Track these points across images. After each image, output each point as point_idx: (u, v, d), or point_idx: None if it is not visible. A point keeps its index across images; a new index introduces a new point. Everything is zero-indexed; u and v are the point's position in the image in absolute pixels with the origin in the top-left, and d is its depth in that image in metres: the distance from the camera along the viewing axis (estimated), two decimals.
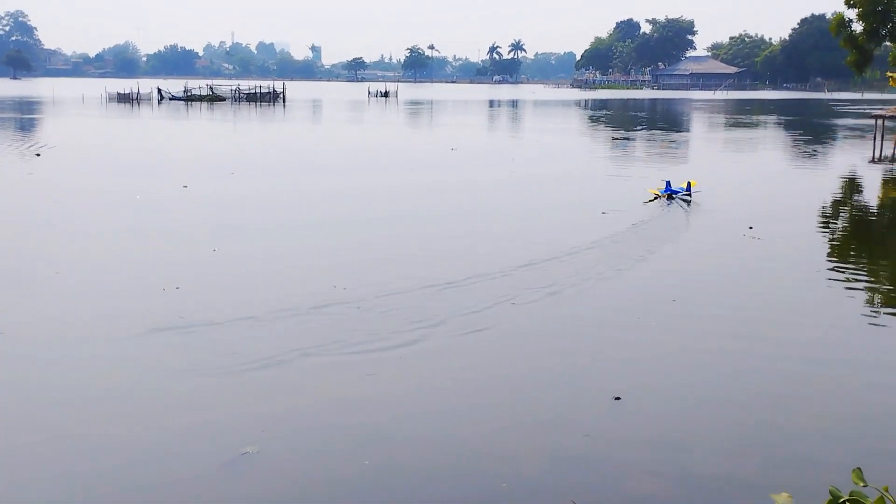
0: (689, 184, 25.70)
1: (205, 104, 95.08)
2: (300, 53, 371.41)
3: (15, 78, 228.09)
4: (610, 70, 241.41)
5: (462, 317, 13.03)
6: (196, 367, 10.87)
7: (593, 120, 77.40)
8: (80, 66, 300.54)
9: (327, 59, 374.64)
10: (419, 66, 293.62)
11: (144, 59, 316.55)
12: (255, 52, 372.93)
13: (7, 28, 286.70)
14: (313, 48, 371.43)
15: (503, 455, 8.67)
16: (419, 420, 9.49)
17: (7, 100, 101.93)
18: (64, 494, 7.85)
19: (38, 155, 36.35)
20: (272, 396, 10.03)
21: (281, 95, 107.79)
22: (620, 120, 77.73)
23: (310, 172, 32.44)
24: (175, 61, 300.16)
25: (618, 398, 10.05)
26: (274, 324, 12.69)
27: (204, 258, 16.96)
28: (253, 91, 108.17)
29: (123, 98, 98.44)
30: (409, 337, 12.10)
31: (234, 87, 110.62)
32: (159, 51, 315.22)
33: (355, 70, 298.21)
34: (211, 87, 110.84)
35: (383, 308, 13.48)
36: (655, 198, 25.51)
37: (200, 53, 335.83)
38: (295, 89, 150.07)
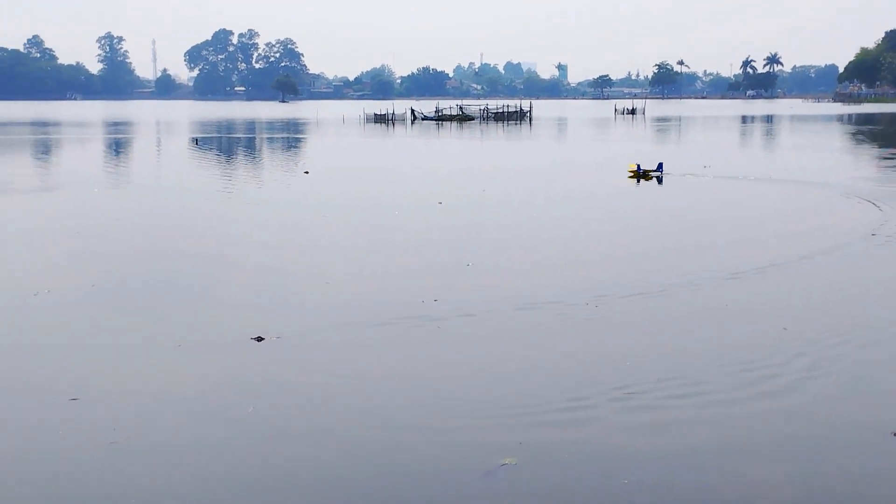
0: (659, 164, 35.02)
1: (455, 123, 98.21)
2: (546, 72, 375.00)
3: (283, 101, 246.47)
4: (878, 82, 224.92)
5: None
6: (455, 377, 11.22)
7: (858, 136, 72.37)
8: (341, 89, 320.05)
9: (573, 77, 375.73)
10: (667, 81, 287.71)
11: (399, 81, 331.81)
12: (503, 71, 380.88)
13: (278, 55, 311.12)
14: (559, 66, 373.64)
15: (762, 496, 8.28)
16: (687, 441, 9.25)
17: (277, 121, 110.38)
18: (328, 497, 8.33)
19: (307, 173, 39.03)
20: (532, 408, 10.14)
21: (528, 114, 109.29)
22: (889, 136, 72.19)
23: (559, 187, 32.61)
24: (427, 83, 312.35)
25: None
26: (529, 336, 12.88)
27: (459, 272, 17.48)
28: (501, 110, 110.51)
29: (379, 118, 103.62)
30: (668, 341, 11.86)
31: (482, 107, 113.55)
32: (412, 73, 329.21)
33: (601, 87, 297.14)
34: (461, 107, 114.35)
35: (639, 313, 13.33)
36: (633, 175, 34.29)
37: (451, 74, 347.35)
38: (541, 108, 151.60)
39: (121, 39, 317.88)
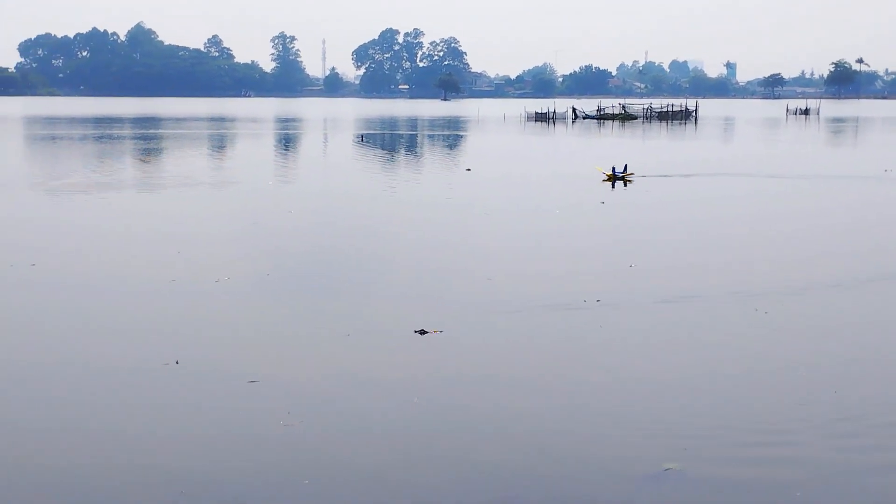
0: (625, 166, 34.11)
1: (617, 122, 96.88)
2: (714, 70, 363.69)
3: (445, 99, 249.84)
4: None
5: None
6: (616, 379, 11.16)
7: None
8: (502, 88, 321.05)
9: (742, 76, 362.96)
10: (844, 81, 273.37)
11: (560, 79, 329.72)
12: (668, 70, 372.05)
13: (441, 54, 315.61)
14: (728, 65, 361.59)
15: None
16: (869, 461, 8.87)
17: (439, 119, 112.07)
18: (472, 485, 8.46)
19: (469, 170, 39.48)
20: (700, 411, 9.97)
21: (693, 113, 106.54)
22: None
23: (727, 187, 31.67)
24: (589, 81, 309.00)
25: None
26: (694, 340, 12.64)
27: (621, 272, 17.31)
28: (665, 109, 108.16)
29: (540, 117, 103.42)
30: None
31: (645, 106, 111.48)
32: (574, 71, 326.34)
33: (772, 86, 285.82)
34: (623, 106, 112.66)
35: (809, 317, 12.85)
36: (609, 179, 33.21)
37: (613, 73, 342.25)
38: (707, 107, 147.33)
39: (293, 39, 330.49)
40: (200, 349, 12.33)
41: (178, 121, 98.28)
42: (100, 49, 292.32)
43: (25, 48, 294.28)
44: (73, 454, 8.98)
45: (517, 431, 9.55)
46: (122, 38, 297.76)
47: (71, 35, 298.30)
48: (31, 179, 34.06)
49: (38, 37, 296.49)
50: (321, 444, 9.25)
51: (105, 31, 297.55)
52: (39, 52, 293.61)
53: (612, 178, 33.55)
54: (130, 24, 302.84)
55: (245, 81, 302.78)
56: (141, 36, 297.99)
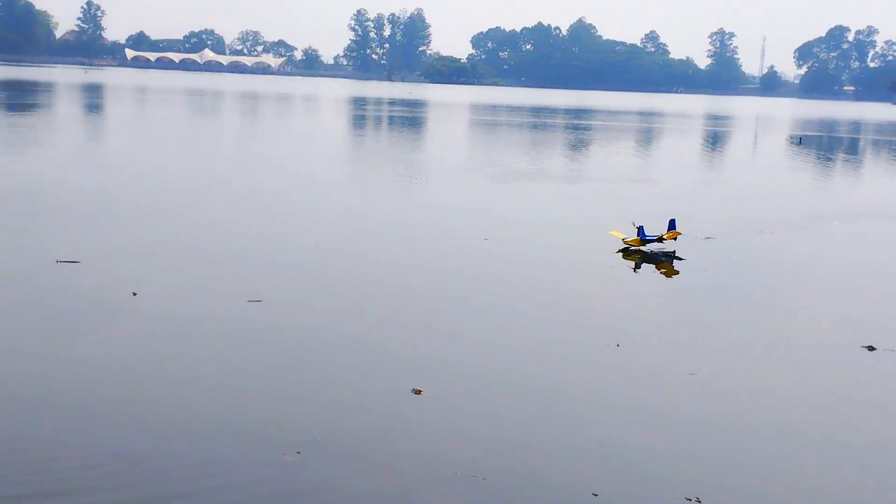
0: (671, 223, 19.28)
1: None
2: None
3: None
4: None
5: None
6: None
7: None
8: None
9: None
10: None
11: None
12: None
13: None
14: None
15: None
16: None
17: (887, 124, 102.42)
18: None
19: None
20: None
21: None
22: None
23: None
24: None
25: None
26: None
27: None
28: None
29: None
30: None
31: None
32: None
33: None
34: None
35: None
36: (627, 248, 19.05)
37: None
38: None
39: (731, 35, 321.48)
40: (640, 336, 12.76)
41: (611, 113, 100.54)
42: (542, 42, 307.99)
43: (477, 41, 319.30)
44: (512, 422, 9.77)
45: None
46: (564, 32, 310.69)
47: (518, 29, 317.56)
48: (475, 164, 36.86)
49: (489, 30, 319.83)
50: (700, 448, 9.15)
51: (549, 25, 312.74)
52: (489, 44, 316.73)
53: (639, 244, 19.22)
54: (573, 19, 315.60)
55: (677, 77, 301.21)
56: (581, 31, 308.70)
